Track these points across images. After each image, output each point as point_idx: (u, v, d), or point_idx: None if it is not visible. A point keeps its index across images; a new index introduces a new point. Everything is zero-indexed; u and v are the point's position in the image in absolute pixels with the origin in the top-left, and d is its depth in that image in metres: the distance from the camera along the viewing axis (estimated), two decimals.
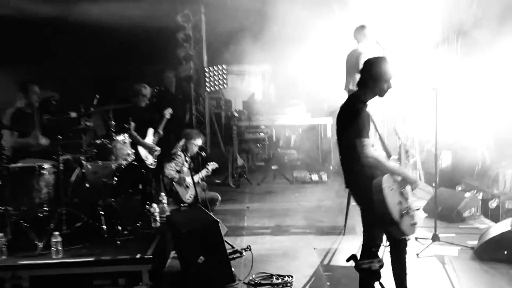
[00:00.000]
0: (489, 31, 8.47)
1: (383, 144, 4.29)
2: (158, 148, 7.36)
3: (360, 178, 4.10)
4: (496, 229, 5.74)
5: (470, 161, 9.16)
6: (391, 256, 4.31)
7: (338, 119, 4.32)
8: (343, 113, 4.27)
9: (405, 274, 4.32)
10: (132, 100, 7.56)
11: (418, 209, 4.36)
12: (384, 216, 3.84)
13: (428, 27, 9.23)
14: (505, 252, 5.42)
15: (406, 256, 4.33)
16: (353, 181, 4.29)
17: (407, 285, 4.33)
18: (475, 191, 8.18)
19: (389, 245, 4.30)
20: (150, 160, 7.29)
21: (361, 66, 6.52)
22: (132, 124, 7.26)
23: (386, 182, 3.93)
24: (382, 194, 3.84)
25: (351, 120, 4.05)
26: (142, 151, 7.30)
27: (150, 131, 7.64)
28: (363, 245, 4.27)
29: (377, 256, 2.35)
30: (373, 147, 4.02)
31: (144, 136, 7.51)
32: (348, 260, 2.48)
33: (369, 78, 4.17)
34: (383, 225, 4.03)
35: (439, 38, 9.44)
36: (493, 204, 8.11)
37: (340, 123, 4.28)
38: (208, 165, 7.21)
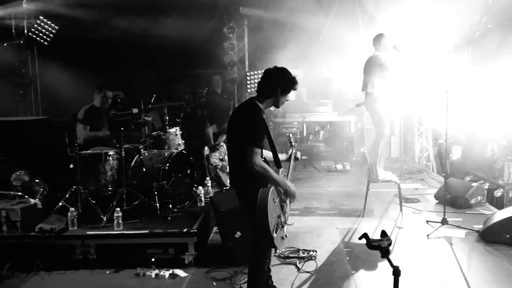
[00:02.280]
0: (496, 40, 8.14)
1: (274, 153, 3.79)
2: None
3: (247, 183, 3.57)
4: (500, 214, 5.50)
5: (478, 154, 8.85)
6: (249, 261, 3.78)
7: (233, 121, 3.72)
8: (240, 116, 3.69)
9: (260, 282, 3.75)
10: None
11: (291, 224, 3.92)
12: (262, 227, 3.38)
13: (443, 36, 8.94)
14: (508, 236, 5.19)
15: (263, 271, 3.76)
16: (238, 183, 3.74)
17: None
18: (482, 182, 7.89)
19: (252, 250, 3.74)
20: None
21: (379, 70, 6.42)
22: (215, 127, 7.40)
23: (272, 194, 3.47)
24: (266, 206, 3.36)
25: (248, 126, 3.51)
26: (206, 151, 7.37)
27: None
28: (252, 254, 3.75)
29: (387, 235, 2.26)
30: (262, 157, 3.57)
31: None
32: (360, 238, 2.38)
33: (275, 89, 3.63)
34: (258, 234, 3.54)
35: (452, 45, 9.12)
36: (498, 193, 7.82)
37: (235, 125, 3.69)
38: None
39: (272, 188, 3.51)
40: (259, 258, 3.71)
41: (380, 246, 2.14)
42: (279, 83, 3.65)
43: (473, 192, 6.74)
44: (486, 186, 7.82)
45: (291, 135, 4.11)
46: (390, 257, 2.23)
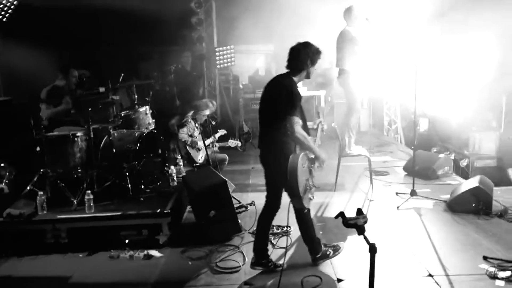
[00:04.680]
0: (464, 11, 8.21)
1: (304, 123, 4.12)
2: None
3: (279, 149, 3.95)
4: (466, 185, 5.67)
5: (445, 126, 9.05)
6: (297, 219, 4.28)
7: (268, 92, 4.11)
8: (275, 88, 4.05)
9: (313, 231, 4.32)
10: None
11: (318, 187, 4.33)
12: (292, 188, 3.80)
13: (411, 9, 8.95)
14: (473, 205, 5.37)
15: (310, 218, 4.31)
16: (268, 148, 4.13)
17: (315, 238, 4.35)
18: (448, 152, 8.10)
19: (295, 211, 4.22)
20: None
21: (350, 45, 6.40)
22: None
23: (301, 159, 3.85)
24: (296, 170, 3.75)
25: (285, 97, 3.88)
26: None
27: None
28: (266, 204, 4.27)
29: (362, 213, 2.28)
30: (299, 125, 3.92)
31: None
32: (336, 217, 2.41)
33: (305, 62, 3.98)
34: (288, 195, 3.98)
35: (420, 18, 9.15)
36: (463, 163, 8.05)
37: (270, 96, 4.07)
38: (217, 131, 7.13)
39: (302, 154, 3.87)
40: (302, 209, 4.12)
41: (357, 225, 2.17)
42: (307, 57, 3.97)
43: (440, 163, 6.92)
44: (452, 156, 8.04)
45: (319, 109, 4.37)
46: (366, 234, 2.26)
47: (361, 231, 2.17)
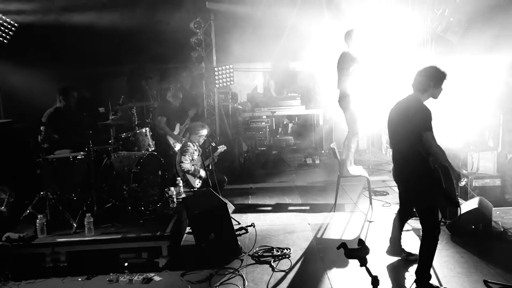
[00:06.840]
0: (459, 33, 8.29)
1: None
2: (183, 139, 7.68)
3: (413, 166, 4.14)
4: (465, 206, 5.66)
5: (442, 145, 9.03)
6: (422, 238, 4.31)
7: (396, 114, 4.31)
8: (404, 109, 4.23)
9: (431, 257, 4.25)
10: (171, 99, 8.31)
11: (461, 203, 4.45)
12: (451, 199, 4.00)
13: (408, 32, 9.04)
14: (473, 227, 5.36)
15: (433, 246, 4.25)
16: (402, 166, 4.34)
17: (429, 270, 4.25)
18: None
19: (423, 230, 4.33)
20: (178, 147, 7.61)
21: (349, 67, 6.41)
22: (164, 118, 7.78)
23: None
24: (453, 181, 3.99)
25: (422, 116, 4.02)
26: (171, 140, 7.52)
27: (177, 126, 8.09)
28: (423, 231, 4.32)
29: (364, 243, 2.28)
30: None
31: (173, 129, 7.98)
32: (338, 248, 2.40)
33: (430, 84, 4.16)
34: (446, 205, 4.19)
35: (416, 41, 9.25)
36: (462, 182, 8.03)
37: (400, 118, 4.24)
38: (218, 148, 7.18)
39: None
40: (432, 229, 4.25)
41: (359, 256, 2.16)
42: (429, 79, 4.17)
43: None
44: None
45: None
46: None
47: (363, 262, 2.16)
